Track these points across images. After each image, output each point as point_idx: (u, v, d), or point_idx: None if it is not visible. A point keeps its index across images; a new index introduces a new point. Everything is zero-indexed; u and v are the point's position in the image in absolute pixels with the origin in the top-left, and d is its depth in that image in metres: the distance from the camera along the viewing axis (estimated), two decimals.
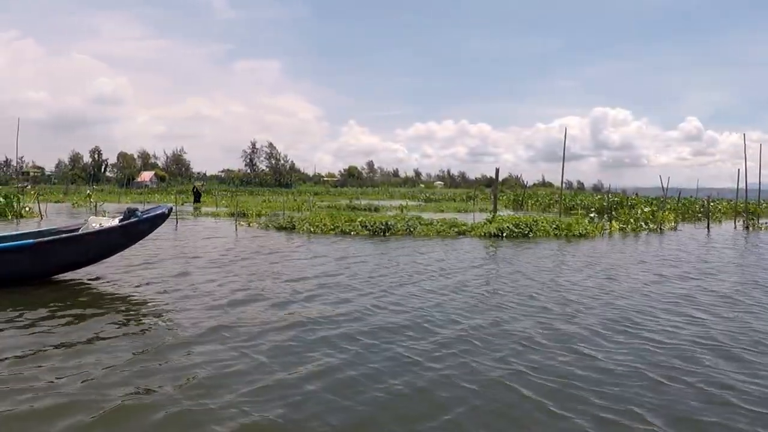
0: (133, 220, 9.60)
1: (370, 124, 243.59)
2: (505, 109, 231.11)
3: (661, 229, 23.18)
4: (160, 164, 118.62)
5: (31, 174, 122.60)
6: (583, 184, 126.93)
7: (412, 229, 18.74)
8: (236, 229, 20.27)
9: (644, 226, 22.90)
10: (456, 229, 18.82)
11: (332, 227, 19.02)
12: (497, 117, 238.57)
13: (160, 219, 9.88)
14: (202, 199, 44.03)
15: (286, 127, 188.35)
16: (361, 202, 39.90)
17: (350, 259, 12.75)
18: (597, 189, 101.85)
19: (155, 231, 10.50)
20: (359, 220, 19.31)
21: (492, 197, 23.25)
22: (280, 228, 20.26)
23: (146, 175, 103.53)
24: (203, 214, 31.62)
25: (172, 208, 10.47)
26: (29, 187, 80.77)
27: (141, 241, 10.91)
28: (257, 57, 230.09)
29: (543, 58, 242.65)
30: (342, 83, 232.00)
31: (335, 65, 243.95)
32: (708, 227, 25.00)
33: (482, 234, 18.21)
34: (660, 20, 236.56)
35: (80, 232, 9.58)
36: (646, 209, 25.68)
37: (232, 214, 28.05)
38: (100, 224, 9.70)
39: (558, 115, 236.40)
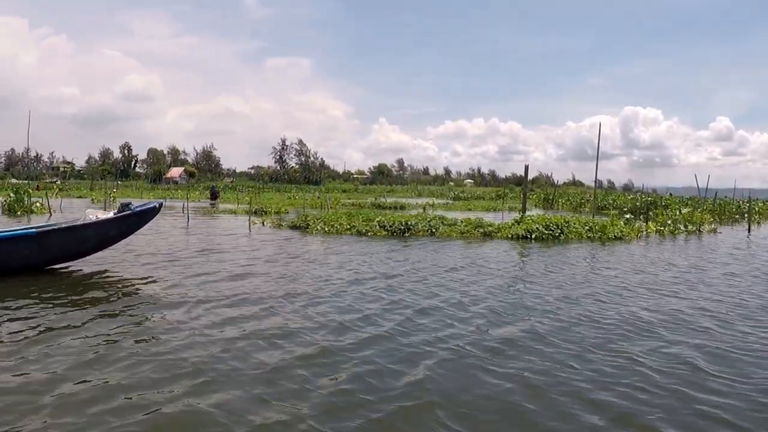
0: (126, 213, 10.22)
1: (401, 122, 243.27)
2: (536, 107, 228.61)
3: (700, 231, 21.73)
4: (189, 160, 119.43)
5: (62, 169, 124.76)
6: (613, 183, 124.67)
7: (434, 230, 17.67)
8: (250, 228, 19.56)
9: (682, 228, 21.48)
10: (481, 230, 17.67)
11: (348, 227, 18.05)
12: (527, 115, 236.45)
13: (152, 213, 10.67)
14: (220, 197, 43.41)
15: (316, 124, 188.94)
16: (387, 200, 38.82)
17: (347, 270, 10.67)
18: (627, 188, 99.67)
19: (170, 226, 11.10)
20: (377, 219, 18.28)
21: (522, 196, 22.00)
22: (293, 227, 19.39)
23: (176, 171, 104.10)
24: (221, 211, 31.07)
25: (162, 204, 11.24)
26: (54, 181, 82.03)
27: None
28: (288, 54, 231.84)
29: (573, 56, 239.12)
30: (372, 81, 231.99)
31: (366, 63, 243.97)
32: (749, 229, 23.48)
33: (509, 236, 17.05)
34: (690, 19, 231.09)
35: (78, 223, 10.18)
36: (684, 210, 24.12)
37: (254, 212, 27.70)
38: (97, 216, 10.27)
39: (588, 113, 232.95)
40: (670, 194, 47.20)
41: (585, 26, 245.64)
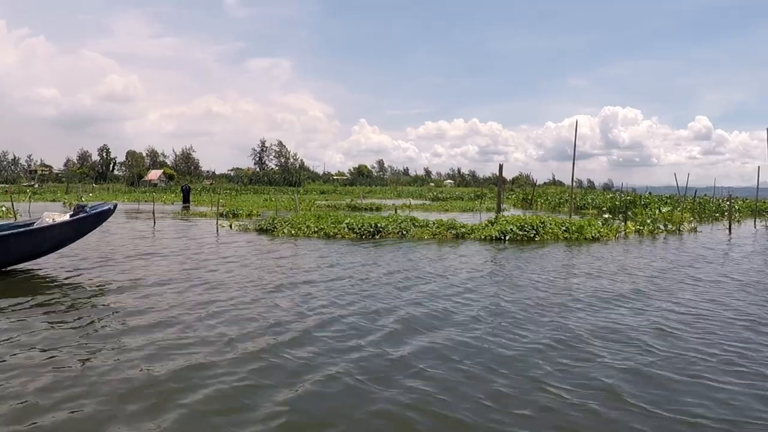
0: (81, 215, 10.71)
1: (381, 123, 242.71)
2: (516, 108, 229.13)
3: (679, 230, 21.24)
4: (168, 162, 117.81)
5: (39, 172, 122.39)
6: (593, 182, 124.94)
7: (404, 232, 16.98)
8: (217, 231, 18.90)
9: (662, 227, 20.97)
10: (453, 232, 17.00)
11: (316, 230, 17.29)
12: (508, 116, 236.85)
13: (106, 215, 11.09)
14: (192, 199, 42.07)
15: (297, 125, 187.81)
16: (363, 201, 38.02)
17: (279, 274, 10.32)
18: (607, 188, 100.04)
19: (133, 229, 12.15)
20: (346, 222, 17.52)
21: (497, 196, 21.36)
22: (260, 230, 18.61)
23: (154, 174, 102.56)
24: (193, 213, 30.19)
25: (116, 205, 11.68)
26: (32, 185, 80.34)
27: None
28: (269, 55, 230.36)
29: (554, 57, 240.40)
30: (353, 82, 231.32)
31: (347, 64, 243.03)
32: (729, 228, 23.05)
33: (483, 237, 16.40)
34: (670, 22, 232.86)
35: (35, 226, 10.50)
36: (664, 209, 23.60)
37: (221, 215, 26.98)
38: (53, 219, 10.60)
39: (568, 114, 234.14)
40: (650, 193, 46.94)
41: (566, 28, 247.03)
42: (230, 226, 20.43)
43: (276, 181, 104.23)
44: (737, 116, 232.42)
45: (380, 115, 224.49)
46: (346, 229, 17.00)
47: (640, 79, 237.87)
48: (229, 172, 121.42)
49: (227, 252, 13.65)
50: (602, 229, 17.99)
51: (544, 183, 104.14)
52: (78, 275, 10.09)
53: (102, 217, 11.07)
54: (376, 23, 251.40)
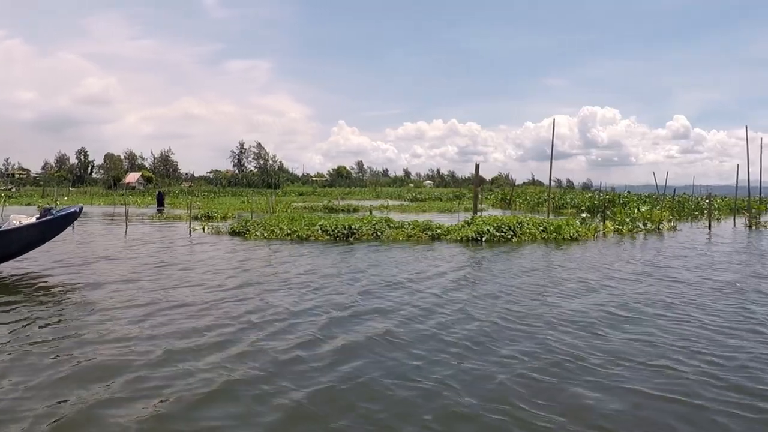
0: (48, 218, 10.83)
1: (360, 124, 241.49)
2: (495, 108, 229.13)
3: (659, 229, 21.07)
4: (147, 165, 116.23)
5: (17, 176, 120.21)
6: (572, 182, 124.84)
7: (379, 233, 16.58)
8: (190, 234, 18.45)
9: (641, 226, 20.80)
10: (429, 233, 16.63)
11: (289, 232, 16.83)
12: (487, 116, 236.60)
13: (72, 217, 11.17)
14: (169, 202, 41.10)
15: (276, 127, 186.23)
16: (340, 202, 37.38)
17: (239, 279, 10.01)
18: (586, 187, 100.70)
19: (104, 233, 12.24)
20: (320, 223, 17.07)
21: (473, 196, 21.02)
22: (233, 233, 18.10)
23: (133, 177, 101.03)
24: (169, 217, 29.56)
25: (82, 208, 11.72)
26: (9, 188, 78.68)
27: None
28: (248, 57, 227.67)
29: (533, 57, 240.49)
30: (332, 83, 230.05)
31: (326, 65, 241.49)
32: (709, 227, 22.98)
33: (459, 238, 16.04)
34: (648, 21, 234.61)
35: (1, 229, 10.55)
36: (643, 208, 23.42)
37: (195, 218, 26.46)
38: (20, 222, 10.69)
39: (547, 114, 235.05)
40: (629, 192, 47.01)
41: (544, 27, 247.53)
42: (203, 229, 19.87)
43: (255, 183, 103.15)
44: (715, 115, 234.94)
45: (359, 116, 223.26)
46: (320, 231, 16.55)
47: (619, 79, 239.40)
48: (208, 174, 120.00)
49: (196, 256, 13.21)
50: (580, 229, 17.74)
51: (524, 183, 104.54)
52: (37, 278, 10.11)
53: (69, 219, 11.17)
54: (354, 24, 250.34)
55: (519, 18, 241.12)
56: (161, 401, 4.44)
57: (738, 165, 26.84)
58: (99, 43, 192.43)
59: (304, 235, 16.41)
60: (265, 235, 16.95)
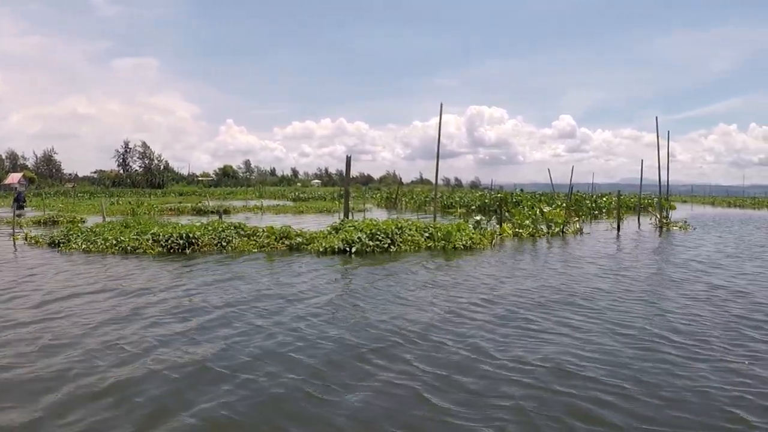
0: None
1: (248, 123, 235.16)
2: (382, 107, 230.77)
3: (563, 232, 18.98)
4: (29, 165, 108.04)
5: None
6: (460, 181, 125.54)
7: (224, 243, 13.48)
8: (15, 245, 14.82)
9: (544, 229, 18.62)
10: (287, 242, 13.66)
11: (115, 243, 13.45)
12: (374, 115, 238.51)
13: None
14: (26, 205, 35.33)
15: (164, 126, 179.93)
16: (210, 203, 33.26)
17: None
18: (475, 186, 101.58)
19: None
20: (151, 232, 13.74)
21: (344, 195, 18.13)
22: (51, 243, 14.52)
23: (15, 177, 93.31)
24: (7, 221, 25.24)
25: None
26: None
27: None
28: (136, 55, 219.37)
29: (422, 58, 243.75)
30: (221, 82, 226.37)
31: (215, 64, 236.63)
32: (618, 227, 21.21)
33: (323, 249, 13.10)
34: (535, 22, 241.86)
35: None
36: (546, 209, 21.23)
37: (38, 222, 22.51)
38: None
39: (435, 113, 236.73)
40: (521, 190, 45.77)
41: (433, 29, 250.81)
42: (25, 238, 16.11)
43: (139, 183, 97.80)
44: (600, 115, 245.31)
45: (247, 115, 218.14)
46: (151, 241, 13.25)
47: (506, 79, 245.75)
48: (93, 174, 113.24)
49: None
50: (474, 236, 15.11)
51: (412, 182, 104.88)
52: None
53: None
54: (245, 23, 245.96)
55: (408, 19, 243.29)
56: None
57: (642, 161, 25.26)
58: None
59: (132, 247, 13.07)
60: (85, 246, 13.53)
